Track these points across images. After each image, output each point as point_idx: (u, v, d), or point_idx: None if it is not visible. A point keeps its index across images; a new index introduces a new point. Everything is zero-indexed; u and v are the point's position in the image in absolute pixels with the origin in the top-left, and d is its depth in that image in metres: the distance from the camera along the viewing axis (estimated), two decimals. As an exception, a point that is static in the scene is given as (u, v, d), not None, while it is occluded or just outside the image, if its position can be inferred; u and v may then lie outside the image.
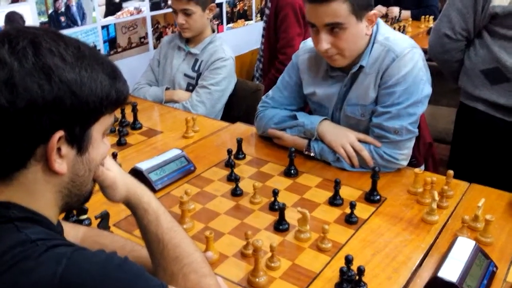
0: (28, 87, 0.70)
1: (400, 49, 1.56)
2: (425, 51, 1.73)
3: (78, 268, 0.69)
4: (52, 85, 0.71)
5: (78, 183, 0.81)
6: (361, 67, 1.61)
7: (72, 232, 1.05)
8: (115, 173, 0.95)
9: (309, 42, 1.78)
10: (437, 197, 1.36)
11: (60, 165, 0.76)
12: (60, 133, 0.73)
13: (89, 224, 1.32)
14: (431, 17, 4.00)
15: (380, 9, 4.06)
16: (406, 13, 4.10)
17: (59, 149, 0.75)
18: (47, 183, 0.77)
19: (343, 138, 1.62)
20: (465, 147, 1.96)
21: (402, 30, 3.67)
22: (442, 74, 2.12)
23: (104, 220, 1.27)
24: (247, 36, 3.74)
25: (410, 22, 3.92)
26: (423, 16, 4.04)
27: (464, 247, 1.17)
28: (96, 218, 1.26)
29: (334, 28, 1.50)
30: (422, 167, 1.92)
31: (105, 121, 0.82)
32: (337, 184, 1.44)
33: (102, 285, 0.70)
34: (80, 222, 1.29)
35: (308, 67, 1.75)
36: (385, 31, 1.63)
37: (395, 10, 4.08)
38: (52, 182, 0.78)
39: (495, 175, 1.67)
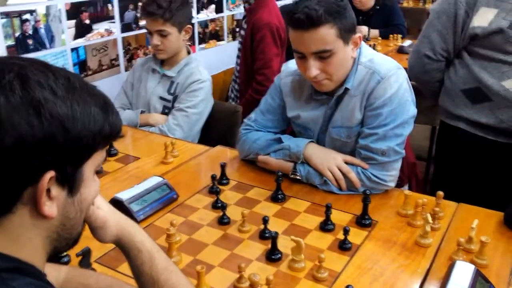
0: (16, 124, 0.63)
1: (385, 71, 1.55)
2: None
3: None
4: (42, 121, 0.64)
5: (69, 226, 0.74)
6: (346, 89, 1.59)
7: (54, 273, 0.97)
8: (106, 211, 0.88)
9: (291, 65, 1.75)
10: (431, 220, 1.34)
11: (50, 208, 0.69)
12: (51, 174, 0.66)
13: (68, 262, 1.23)
14: (399, 36, 4.07)
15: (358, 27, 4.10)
16: (375, 32, 4.16)
17: (48, 191, 0.68)
18: (35, 228, 0.70)
19: (330, 161, 1.59)
20: (448, 166, 1.96)
21: (373, 49, 3.70)
22: (419, 92, 2.13)
23: (85, 258, 1.18)
24: (219, 56, 3.70)
25: (380, 41, 3.97)
26: (391, 35, 4.10)
27: (463, 272, 1.14)
28: (77, 255, 1.17)
29: (322, 54, 1.47)
30: (406, 186, 1.91)
31: (97, 158, 0.75)
32: (328, 209, 1.40)
33: None
34: (58, 259, 1.20)
35: (292, 90, 1.72)
36: (368, 52, 1.62)
37: (363, 29, 4.13)
38: (41, 227, 0.70)
39: (481, 194, 1.67)
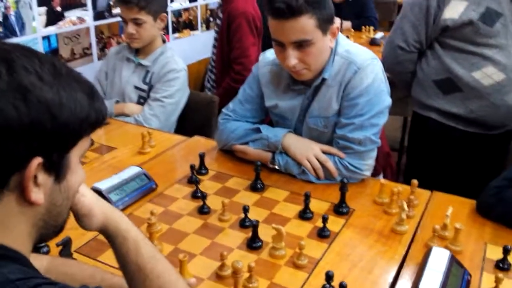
0: (2, 109, 0.62)
1: (361, 61, 1.58)
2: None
3: (64, 310, 0.62)
4: (29, 107, 0.63)
5: (55, 213, 0.74)
6: (324, 79, 1.60)
7: (36, 263, 0.94)
8: (90, 199, 0.88)
9: (268, 55, 1.76)
10: (406, 208, 1.37)
11: (37, 195, 0.68)
12: (38, 160, 0.65)
13: (48, 252, 1.22)
14: (371, 28, 4.12)
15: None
16: (347, 24, 4.19)
17: (35, 177, 0.67)
18: (21, 215, 0.69)
19: (307, 150, 1.61)
20: (421, 155, 2.01)
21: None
22: (391, 83, 2.17)
23: (66, 247, 1.17)
24: (194, 46, 3.68)
25: (353, 33, 4.01)
26: (363, 27, 4.15)
27: (439, 257, 1.18)
28: (57, 245, 1.16)
29: (301, 44, 1.48)
30: (381, 175, 1.95)
31: (83, 144, 0.75)
32: (307, 198, 1.42)
33: None
34: (37, 250, 1.18)
35: (270, 80, 1.73)
36: (345, 43, 1.64)
37: (336, 21, 4.16)
38: (28, 214, 0.70)
39: (453, 182, 1.72)
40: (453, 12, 1.75)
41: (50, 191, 0.70)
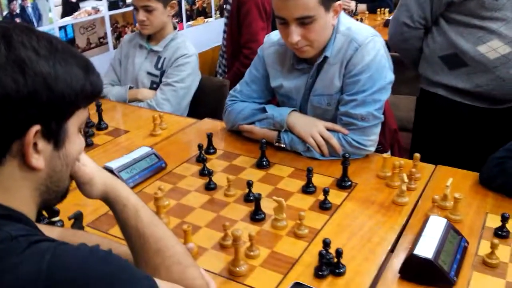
0: (2, 81, 0.68)
1: (362, 38, 1.60)
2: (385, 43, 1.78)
3: (62, 262, 0.68)
4: (26, 79, 0.69)
5: (56, 179, 0.80)
6: (326, 57, 1.63)
7: (47, 233, 1.02)
8: (91, 168, 0.93)
9: (273, 36, 1.80)
10: (406, 180, 1.40)
11: (37, 161, 0.74)
12: (36, 128, 0.71)
13: (62, 226, 1.28)
14: (387, 10, 4.10)
15: (343, 2, 4.11)
16: (362, 7, 4.19)
17: (35, 144, 0.73)
18: (24, 180, 0.75)
19: (312, 128, 1.64)
20: (427, 132, 2.02)
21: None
22: (402, 63, 2.18)
23: (77, 221, 1.24)
24: (207, 33, 3.72)
25: (367, 15, 4.01)
26: (378, 9, 4.13)
27: (436, 225, 1.21)
28: (69, 219, 1.23)
29: (304, 20, 1.51)
30: (389, 152, 1.97)
31: (81, 115, 0.80)
32: (309, 172, 1.46)
33: (87, 278, 0.68)
34: (52, 224, 1.26)
35: (274, 61, 1.76)
36: (346, 21, 1.66)
37: (351, 4, 4.15)
38: (30, 179, 0.76)
39: (458, 157, 1.73)
40: (458, -14, 1.75)
41: (49, 157, 0.76)
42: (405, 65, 2.16)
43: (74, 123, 0.79)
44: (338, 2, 1.58)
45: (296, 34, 1.53)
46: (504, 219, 1.24)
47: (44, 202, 0.81)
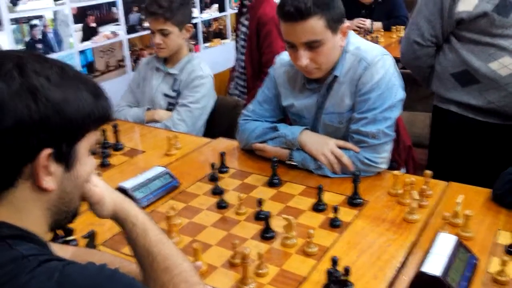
0: (15, 108, 0.72)
1: (371, 57, 1.62)
2: (397, 60, 1.79)
3: (70, 281, 0.71)
4: (38, 105, 0.73)
5: (67, 200, 0.83)
6: (335, 77, 1.66)
7: (61, 253, 1.04)
8: (102, 189, 0.97)
9: (283, 56, 1.83)
10: (417, 197, 1.40)
11: (48, 182, 0.77)
12: (47, 151, 0.75)
13: (76, 245, 1.32)
14: (402, 27, 4.10)
15: (358, 21, 4.15)
16: (378, 25, 4.20)
17: (46, 167, 0.77)
18: (36, 201, 0.79)
19: (323, 146, 1.66)
20: (442, 148, 2.02)
21: (375, 41, 3.76)
22: (415, 81, 2.19)
23: (91, 240, 1.28)
24: (224, 54, 3.79)
25: (383, 33, 4.02)
26: (393, 27, 4.15)
27: (446, 242, 1.20)
28: (83, 238, 1.27)
29: (312, 44, 1.54)
30: (403, 169, 1.97)
31: (91, 138, 0.84)
32: (320, 190, 1.47)
33: None
34: (67, 243, 1.29)
35: (285, 80, 1.80)
36: (356, 41, 1.69)
37: (367, 22, 4.18)
38: (41, 200, 0.79)
39: (472, 173, 1.72)
40: (467, 5, 1.76)
41: (60, 179, 0.80)
42: (418, 82, 2.17)
43: (84, 146, 0.83)
44: (345, 24, 1.61)
45: (305, 58, 1.56)
46: (516, 236, 1.23)
47: (55, 222, 0.85)
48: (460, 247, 1.21)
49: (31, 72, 0.75)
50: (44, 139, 0.75)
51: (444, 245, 1.20)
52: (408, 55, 2.00)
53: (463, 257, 1.18)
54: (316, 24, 1.52)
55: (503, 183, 1.44)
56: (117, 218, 0.98)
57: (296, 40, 1.56)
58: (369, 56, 1.62)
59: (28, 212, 0.79)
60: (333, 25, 1.55)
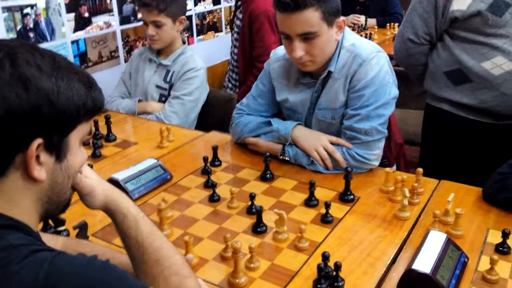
0: (6, 97, 0.71)
1: (366, 54, 1.62)
2: (391, 57, 1.79)
3: (60, 272, 0.70)
4: (29, 94, 0.72)
5: (57, 190, 0.82)
6: (330, 72, 1.66)
7: (52, 242, 1.05)
8: (93, 180, 0.96)
9: (278, 51, 1.83)
10: (407, 194, 1.41)
11: (39, 172, 0.77)
12: (38, 141, 0.74)
13: (67, 235, 1.31)
14: (396, 24, 4.12)
15: (353, 17, 4.15)
16: (372, 21, 4.21)
17: (37, 157, 0.76)
18: (27, 191, 0.78)
19: (316, 142, 1.66)
20: (433, 146, 2.03)
21: (369, 38, 3.76)
22: (409, 78, 2.19)
23: (82, 231, 1.27)
24: (218, 47, 3.77)
25: (376, 30, 4.02)
26: (388, 24, 4.15)
27: (436, 240, 1.21)
28: (74, 228, 1.26)
29: (307, 36, 1.54)
30: (394, 167, 1.98)
31: (82, 129, 0.83)
32: (311, 186, 1.47)
33: (83, 287, 0.70)
34: (58, 233, 1.29)
35: (280, 75, 1.79)
36: (351, 37, 1.69)
37: (361, 18, 4.18)
38: (32, 190, 0.78)
39: (463, 172, 1.73)
40: (461, 4, 1.76)
41: (51, 169, 0.79)
42: (411, 80, 2.18)
43: (76, 137, 0.82)
44: (341, 18, 1.60)
45: (300, 49, 1.56)
46: (505, 235, 1.24)
47: (46, 213, 0.84)
48: (450, 245, 1.21)
49: (22, 62, 0.74)
50: (35, 129, 0.74)
51: (434, 242, 1.20)
52: (401, 53, 2.01)
53: (453, 255, 1.19)
54: (312, 16, 1.52)
55: (493, 182, 1.45)
56: (108, 209, 0.98)
57: (292, 31, 1.56)
58: (364, 52, 1.62)
59: (18, 202, 0.78)
60: (329, 18, 1.55)
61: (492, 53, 1.76)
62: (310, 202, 1.48)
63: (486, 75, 1.77)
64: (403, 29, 1.95)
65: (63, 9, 2.56)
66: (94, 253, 1.05)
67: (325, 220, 1.39)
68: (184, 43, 2.44)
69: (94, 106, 0.83)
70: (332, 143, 1.66)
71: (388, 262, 1.23)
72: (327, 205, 1.38)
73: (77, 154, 0.84)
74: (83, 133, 0.84)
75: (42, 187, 0.79)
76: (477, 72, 1.78)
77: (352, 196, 1.51)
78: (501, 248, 1.25)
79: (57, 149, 0.78)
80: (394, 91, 1.65)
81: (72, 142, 0.81)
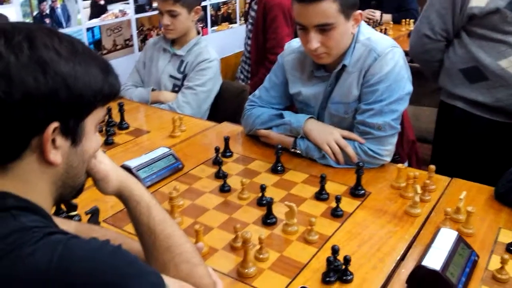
0: (24, 80, 0.71)
1: (382, 49, 1.61)
2: (406, 53, 1.78)
3: (73, 255, 0.71)
4: (47, 78, 0.73)
5: (72, 174, 0.83)
6: (344, 66, 1.65)
7: (64, 227, 1.04)
8: (107, 166, 0.97)
9: (293, 43, 1.82)
10: (419, 190, 1.40)
11: (55, 156, 0.77)
12: (55, 125, 0.75)
13: (79, 221, 1.32)
14: (411, 21, 4.08)
15: (368, 12, 4.12)
16: (387, 17, 4.17)
17: (53, 140, 0.76)
18: (42, 174, 0.79)
19: (328, 136, 1.66)
20: (446, 144, 2.01)
21: (384, 33, 3.73)
22: (423, 75, 2.17)
23: (94, 216, 1.28)
24: (231, 39, 3.77)
25: (391, 26, 3.99)
26: (403, 20, 4.12)
27: (446, 237, 1.20)
28: (86, 214, 1.27)
29: (323, 27, 1.53)
30: (406, 163, 1.97)
31: (98, 114, 0.84)
32: (322, 179, 1.47)
33: (96, 272, 0.71)
34: (70, 218, 1.30)
35: (294, 68, 1.79)
36: (367, 31, 1.68)
37: (376, 14, 4.15)
38: (47, 173, 0.79)
39: (475, 171, 1.72)
40: (479, 0, 1.74)
41: (67, 153, 0.80)
42: (426, 77, 2.16)
43: (92, 122, 0.82)
44: (358, 11, 1.59)
45: (315, 41, 1.55)
46: (517, 234, 1.23)
47: (60, 196, 0.85)
48: (461, 242, 1.21)
49: (41, 45, 0.75)
50: (51, 112, 0.74)
51: (444, 240, 1.20)
52: (417, 48, 1.99)
53: (464, 253, 1.18)
54: (329, 7, 1.51)
55: (506, 182, 1.44)
56: (121, 195, 0.98)
57: (308, 22, 1.55)
58: (379, 47, 1.60)
59: (34, 184, 0.79)
60: (346, 10, 1.54)
61: (510, 51, 1.74)
62: (321, 195, 1.48)
63: (503, 73, 1.75)
64: (420, 25, 1.94)
65: (79, -4, 2.57)
66: (106, 238, 1.07)
67: (335, 214, 1.39)
68: (198, 33, 2.44)
69: (110, 92, 0.83)
70: (344, 138, 1.65)
71: (398, 258, 1.23)
72: (338, 199, 1.38)
73: (92, 139, 0.84)
74: (99, 118, 0.84)
75: (57, 171, 0.80)
76: (494, 70, 1.76)
77: (363, 191, 1.50)
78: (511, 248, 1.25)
79: (73, 133, 0.79)
80: (409, 87, 1.64)
81: (88, 126, 0.82)
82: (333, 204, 1.41)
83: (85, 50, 0.81)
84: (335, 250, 1.13)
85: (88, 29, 2.65)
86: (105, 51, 2.78)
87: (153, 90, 2.39)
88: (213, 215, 1.40)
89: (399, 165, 1.57)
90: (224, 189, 1.51)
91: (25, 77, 0.72)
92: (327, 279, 1.13)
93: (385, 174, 1.63)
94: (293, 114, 1.76)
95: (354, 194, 1.50)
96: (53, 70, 0.74)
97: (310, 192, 1.51)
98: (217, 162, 1.64)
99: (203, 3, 3.37)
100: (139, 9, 2.95)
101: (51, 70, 0.73)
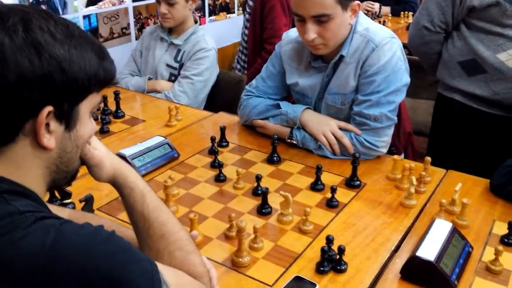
0: (19, 62, 0.70)
1: (379, 39, 1.60)
2: (404, 46, 1.77)
3: (66, 239, 0.70)
4: (42, 61, 0.72)
5: (66, 160, 0.82)
6: (342, 56, 1.64)
7: (58, 213, 1.05)
8: (101, 152, 0.96)
9: (291, 33, 1.81)
10: (415, 182, 1.40)
11: (49, 140, 0.77)
12: (49, 108, 0.74)
13: (73, 208, 1.32)
14: (410, 13, 4.07)
15: (366, 4, 4.10)
16: (386, 9, 4.16)
17: (47, 125, 0.76)
18: (35, 158, 0.78)
19: (324, 126, 1.65)
20: (442, 136, 2.01)
21: (383, 25, 3.72)
22: (421, 67, 2.17)
23: (88, 204, 1.27)
24: (229, 29, 3.75)
25: (390, 18, 3.98)
26: (402, 12, 4.11)
27: (441, 228, 1.21)
28: (80, 201, 1.26)
29: (320, 18, 1.52)
30: (402, 155, 1.96)
31: (93, 99, 0.83)
32: (318, 170, 1.47)
33: (89, 257, 0.70)
34: (64, 206, 1.29)
35: (291, 58, 1.78)
36: (365, 22, 1.67)
37: (375, 6, 4.14)
38: (41, 157, 0.78)
39: (471, 163, 1.72)
40: (479, -7, 1.74)
41: (61, 138, 0.79)
42: (425, 69, 2.15)
43: (86, 107, 0.82)
44: (356, 2, 1.58)
45: (312, 32, 1.54)
46: (511, 226, 1.24)
47: (53, 182, 0.84)
48: (455, 234, 1.21)
49: (36, 28, 0.74)
50: (45, 96, 0.73)
51: (439, 231, 1.20)
52: (415, 40, 1.99)
53: (458, 244, 1.19)
54: None
55: (501, 175, 1.44)
56: (115, 182, 0.98)
57: (305, 13, 1.53)
58: (377, 38, 1.60)
59: (27, 169, 0.78)
60: (344, 1, 1.53)
61: (509, 45, 1.74)
62: (316, 186, 1.47)
63: (501, 66, 1.75)
64: (419, 17, 1.93)
65: (76, -17, 2.55)
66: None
67: (331, 204, 1.39)
68: (196, 22, 2.42)
69: (105, 77, 0.82)
70: (340, 128, 1.65)
71: (392, 249, 1.23)
72: (333, 190, 1.38)
73: (87, 124, 0.84)
74: (94, 104, 0.84)
75: (50, 155, 0.79)
76: (492, 63, 1.76)
77: (358, 182, 1.50)
78: (506, 240, 1.25)
79: (67, 118, 0.78)
80: (406, 78, 1.63)
81: (82, 111, 0.81)
82: (329, 195, 1.41)
83: (81, 34, 0.80)
84: (329, 240, 1.13)
85: (84, 17, 2.63)
86: (101, 39, 2.76)
87: (149, 79, 2.37)
88: (208, 204, 1.40)
89: (395, 156, 1.56)
90: (220, 179, 1.51)
91: (20, 59, 0.71)
92: (321, 268, 1.13)
93: (381, 166, 1.63)
94: (289, 104, 1.75)
95: (350, 185, 1.50)
96: (48, 53, 0.73)
97: (306, 182, 1.51)
98: (213, 152, 1.63)
99: (201, -7, 3.35)
100: (136, -3, 2.93)
101: (46, 52, 0.73)
